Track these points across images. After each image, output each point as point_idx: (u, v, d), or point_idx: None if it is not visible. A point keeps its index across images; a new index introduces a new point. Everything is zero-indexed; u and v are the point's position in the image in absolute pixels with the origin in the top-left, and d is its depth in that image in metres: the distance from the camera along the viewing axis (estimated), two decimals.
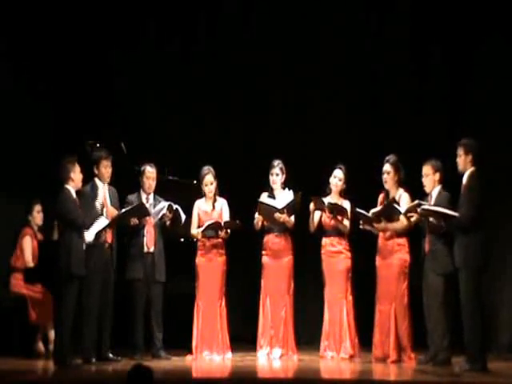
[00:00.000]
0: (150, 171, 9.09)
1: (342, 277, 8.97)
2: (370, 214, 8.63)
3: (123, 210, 8.75)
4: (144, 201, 9.04)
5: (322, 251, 9.06)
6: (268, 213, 9.02)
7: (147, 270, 8.95)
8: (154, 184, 9.10)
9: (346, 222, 8.97)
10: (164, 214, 8.94)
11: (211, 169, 9.12)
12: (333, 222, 8.94)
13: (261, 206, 9.01)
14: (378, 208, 8.62)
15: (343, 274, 8.97)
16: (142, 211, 8.85)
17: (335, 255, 9.01)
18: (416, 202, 8.37)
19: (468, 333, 7.81)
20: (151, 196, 9.13)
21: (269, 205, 9.00)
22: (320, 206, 8.92)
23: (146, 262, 8.95)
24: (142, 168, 9.09)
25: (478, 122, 9.74)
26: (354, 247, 9.07)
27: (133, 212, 8.82)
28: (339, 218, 8.93)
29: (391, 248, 8.64)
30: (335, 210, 8.90)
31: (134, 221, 8.84)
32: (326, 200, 8.92)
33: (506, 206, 9.51)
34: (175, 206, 9.00)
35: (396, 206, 8.51)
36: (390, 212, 8.55)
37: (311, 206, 8.98)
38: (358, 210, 8.75)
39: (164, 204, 8.98)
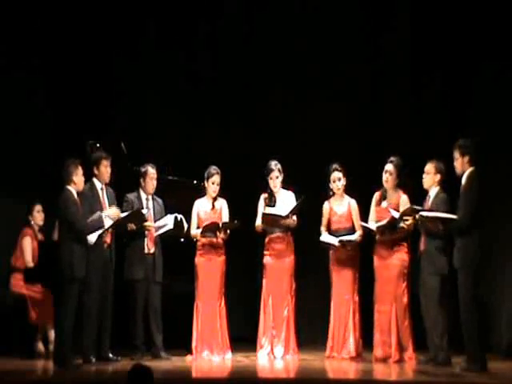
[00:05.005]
0: (153, 172, 9.10)
1: (349, 278, 8.95)
2: (374, 228, 8.67)
3: (121, 216, 8.75)
4: (144, 202, 9.06)
5: (331, 252, 9.03)
6: (273, 221, 9.04)
7: (148, 270, 8.96)
8: (155, 184, 9.12)
9: (358, 233, 9.00)
10: (170, 229, 8.97)
11: (219, 170, 9.13)
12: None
13: (266, 217, 9.02)
14: (383, 222, 8.63)
15: (351, 274, 8.96)
16: (139, 217, 8.86)
17: (344, 256, 8.98)
18: (409, 206, 8.41)
19: (467, 333, 7.81)
20: (150, 196, 9.13)
21: (274, 214, 9.02)
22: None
23: (146, 263, 8.96)
24: (144, 169, 9.09)
25: (478, 122, 9.73)
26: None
27: (130, 218, 8.83)
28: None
29: (390, 249, 8.67)
30: (347, 244, 8.94)
31: (131, 226, 8.86)
32: (337, 238, 8.92)
33: (505, 206, 9.51)
34: (180, 217, 9.01)
35: (395, 215, 8.52)
36: (393, 226, 8.58)
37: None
38: (362, 223, 8.84)
39: (169, 219, 8.97)
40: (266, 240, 9.15)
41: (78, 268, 8.17)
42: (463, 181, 7.98)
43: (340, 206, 9.08)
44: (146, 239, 8.96)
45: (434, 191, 8.39)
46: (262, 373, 8.40)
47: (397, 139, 10.09)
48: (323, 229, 9.06)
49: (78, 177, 8.34)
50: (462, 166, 7.99)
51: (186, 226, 9.06)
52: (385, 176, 8.75)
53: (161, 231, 8.99)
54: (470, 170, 7.97)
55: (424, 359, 8.42)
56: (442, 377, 7.69)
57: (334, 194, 9.10)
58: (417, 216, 8.24)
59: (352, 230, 9.00)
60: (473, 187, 7.92)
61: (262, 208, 9.16)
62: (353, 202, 9.07)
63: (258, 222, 9.13)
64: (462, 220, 7.88)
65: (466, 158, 7.98)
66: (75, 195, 8.33)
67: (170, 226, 8.99)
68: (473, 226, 7.83)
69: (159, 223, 9.00)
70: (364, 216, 8.94)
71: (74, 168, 8.32)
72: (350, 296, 8.95)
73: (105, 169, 8.78)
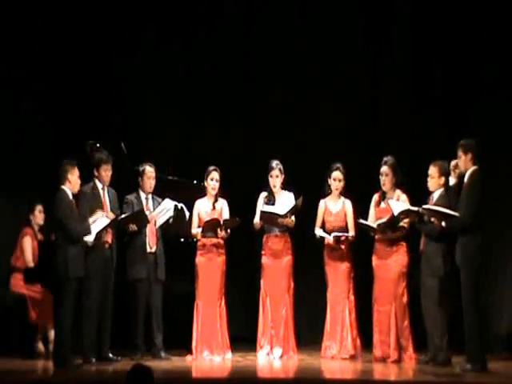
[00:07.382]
0: (151, 171, 9.10)
1: (344, 277, 8.99)
2: (375, 226, 8.67)
3: (122, 216, 8.75)
4: (143, 201, 9.06)
5: (325, 251, 9.07)
6: (271, 219, 9.06)
7: (150, 269, 8.95)
8: (153, 183, 9.12)
9: (351, 233, 9.02)
10: (170, 216, 8.96)
11: (217, 168, 9.14)
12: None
13: (263, 215, 9.04)
14: (384, 220, 8.63)
15: (345, 273, 9.00)
16: (141, 218, 8.85)
17: (338, 255, 9.01)
18: (407, 208, 8.42)
19: (468, 333, 7.81)
20: (150, 196, 9.13)
21: (271, 212, 9.03)
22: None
23: (148, 262, 8.96)
24: (142, 168, 9.10)
25: (478, 122, 9.73)
26: (353, 247, 9.08)
27: (132, 218, 8.82)
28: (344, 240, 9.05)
29: (389, 249, 8.67)
30: (340, 240, 8.97)
31: (133, 227, 8.85)
32: (332, 234, 8.97)
33: (506, 206, 9.51)
34: (180, 205, 9.02)
35: (395, 210, 8.52)
36: (394, 223, 8.58)
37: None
38: (362, 221, 8.83)
39: (169, 205, 8.97)
40: (264, 239, 9.16)
41: (72, 267, 8.15)
42: (465, 179, 7.98)
43: (335, 206, 9.11)
44: (147, 238, 8.96)
45: (437, 193, 8.38)
46: (261, 373, 8.41)
47: (397, 139, 10.09)
48: (317, 228, 9.08)
49: (74, 177, 8.32)
50: (465, 164, 7.99)
51: (187, 214, 9.06)
52: (381, 179, 8.76)
53: (163, 219, 8.97)
54: (472, 168, 7.97)
55: (423, 359, 8.42)
56: (442, 377, 7.69)
57: (330, 192, 9.11)
58: (420, 209, 8.24)
59: (346, 230, 9.03)
60: (476, 186, 7.91)
61: (260, 206, 9.18)
62: (347, 203, 9.09)
63: (257, 219, 9.14)
64: (464, 218, 7.87)
65: (469, 156, 7.97)
66: (70, 196, 8.31)
67: (171, 212, 8.97)
68: (475, 224, 7.83)
69: (158, 209, 8.97)
70: (362, 216, 8.92)
71: (70, 168, 8.31)
72: (346, 295, 8.98)
73: (104, 173, 8.79)
